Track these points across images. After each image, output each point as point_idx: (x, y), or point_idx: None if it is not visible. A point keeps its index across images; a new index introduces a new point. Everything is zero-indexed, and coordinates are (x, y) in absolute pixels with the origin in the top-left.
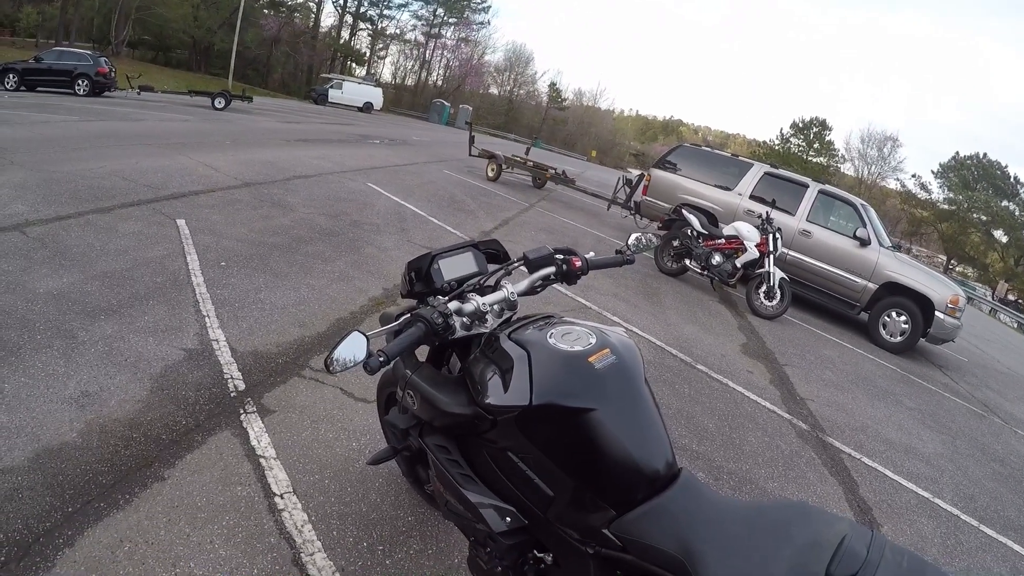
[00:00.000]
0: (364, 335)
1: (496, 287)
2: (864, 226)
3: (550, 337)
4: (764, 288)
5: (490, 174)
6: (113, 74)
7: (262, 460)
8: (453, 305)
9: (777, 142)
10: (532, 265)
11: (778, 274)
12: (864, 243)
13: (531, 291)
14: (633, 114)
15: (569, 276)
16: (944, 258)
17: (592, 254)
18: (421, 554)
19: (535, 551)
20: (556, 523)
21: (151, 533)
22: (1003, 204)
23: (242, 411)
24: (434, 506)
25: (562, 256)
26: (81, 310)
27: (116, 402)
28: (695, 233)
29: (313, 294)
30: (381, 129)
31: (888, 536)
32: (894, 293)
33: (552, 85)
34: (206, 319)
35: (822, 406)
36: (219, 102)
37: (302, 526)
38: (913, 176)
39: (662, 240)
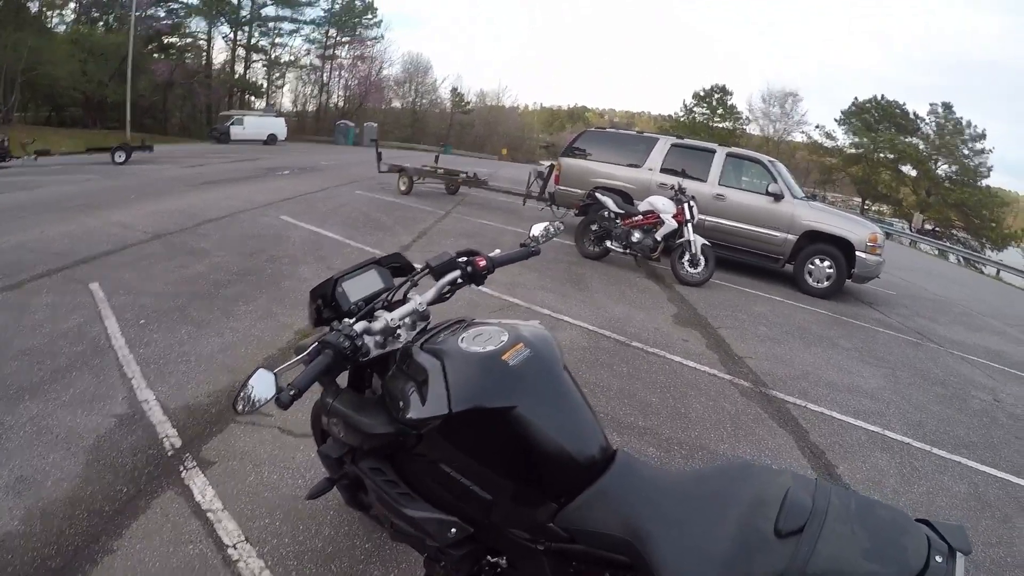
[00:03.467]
0: (271, 372)
1: (404, 300)
2: (775, 181)
3: (461, 342)
4: (687, 256)
5: (402, 187)
6: (6, 143)
7: (209, 514)
8: (360, 325)
9: (682, 114)
10: (437, 272)
11: (699, 241)
12: (778, 198)
13: (439, 299)
14: (538, 107)
15: (475, 277)
16: (859, 200)
17: (498, 251)
18: None
19: (488, 557)
20: (502, 526)
21: None
22: (907, 140)
23: (182, 468)
24: (381, 527)
25: (465, 258)
26: (2, 394)
27: (53, 482)
28: (611, 214)
29: (238, 337)
30: (288, 159)
31: (845, 476)
32: (814, 241)
33: (454, 90)
34: (132, 381)
35: (761, 361)
36: (119, 156)
37: (260, 573)
38: (817, 127)
39: (580, 226)
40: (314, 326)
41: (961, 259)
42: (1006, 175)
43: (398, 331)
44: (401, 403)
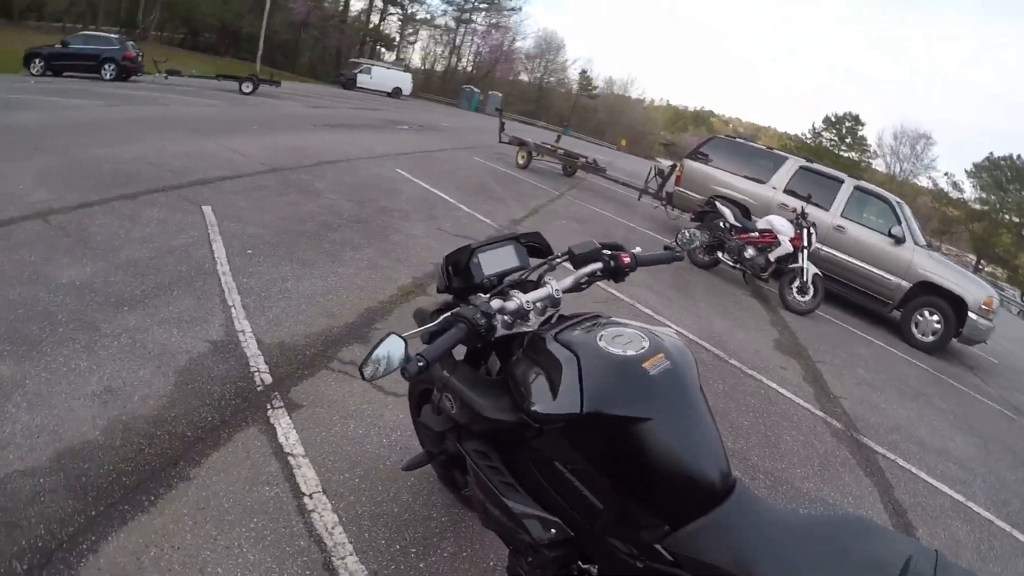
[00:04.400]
0: (401, 337)
1: (539, 283)
2: (899, 223)
3: (600, 339)
4: (797, 283)
5: (520, 161)
6: (140, 58)
7: (290, 458)
8: (495, 303)
9: (809, 136)
10: (578, 261)
11: (811, 269)
12: (899, 241)
13: (575, 288)
14: (664, 104)
15: (616, 273)
16: (973, 257)
17: (638, 249)
18: (456, 557)
19: (579, 562)
20: (605, 537)
21: (177, 537)
22: None
23: (269, 406)
24: (470, 508)
25: (610, 252)
26: (104, 301)
27: (140, 398)
28: (728, 226)
29: (341, 283)
30: (410, 114)
31: (923, 540)
32: (927, 292)
33: (583, 73)
34: (232, 309)
35: (855, 404)
36: (247, 86)
37: (332, 528)
38: (946, 175)
39: (693, 231)
40: (440, 291)
41: None
42: None
43: (529, 315)
44: (528, 393)
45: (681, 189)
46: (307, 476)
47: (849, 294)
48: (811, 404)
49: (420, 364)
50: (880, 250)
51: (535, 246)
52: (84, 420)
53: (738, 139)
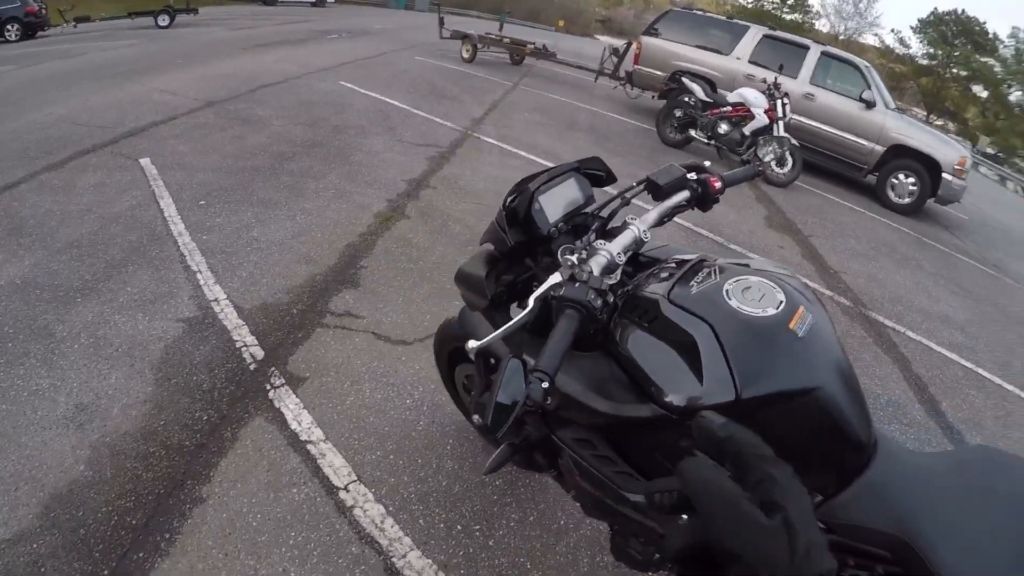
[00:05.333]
0: (520, 360)
1: (623, 226)
2: (869, 88)
3: (729, 297)
4: (775, 156)
5: (465, 55)
6: (44, 11)
7: (310, 446)
8: (593, 266)
9: (749, 0)
10: (663, 192)
11: (788, 140)
12: (870, 105)
13: (658, 224)
14: None
15: (705, 200)
16: (924, 112)
17: (708, 163)
18: (523, 524)
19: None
20: None
21: None
22: (983, 60)
23: (269, 386)
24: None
25: (696, 176)
26: (52, 297)
27: (119, 410)
28: (697, 102)
29: (312, 220)
30: (339, 22)
31: (948, 413)
32: (901, 156)
33: None
34: (198, 275)
35: (856, 279)
36: (163, 20)
37: (382, 522)
38: (892, 31)
39: (663, 111)
40: (502, 254)
41: (1021, 188)
42: None
43: (618, 270)
44: (660, 380)
45: (641, 67)
46: (335, 464)
47: (823, 162)
48: (817, 283)
49: (545, 386)
50: (852, 116)
51: (595, 173)
52: (63, 454)
53: (695, 10)
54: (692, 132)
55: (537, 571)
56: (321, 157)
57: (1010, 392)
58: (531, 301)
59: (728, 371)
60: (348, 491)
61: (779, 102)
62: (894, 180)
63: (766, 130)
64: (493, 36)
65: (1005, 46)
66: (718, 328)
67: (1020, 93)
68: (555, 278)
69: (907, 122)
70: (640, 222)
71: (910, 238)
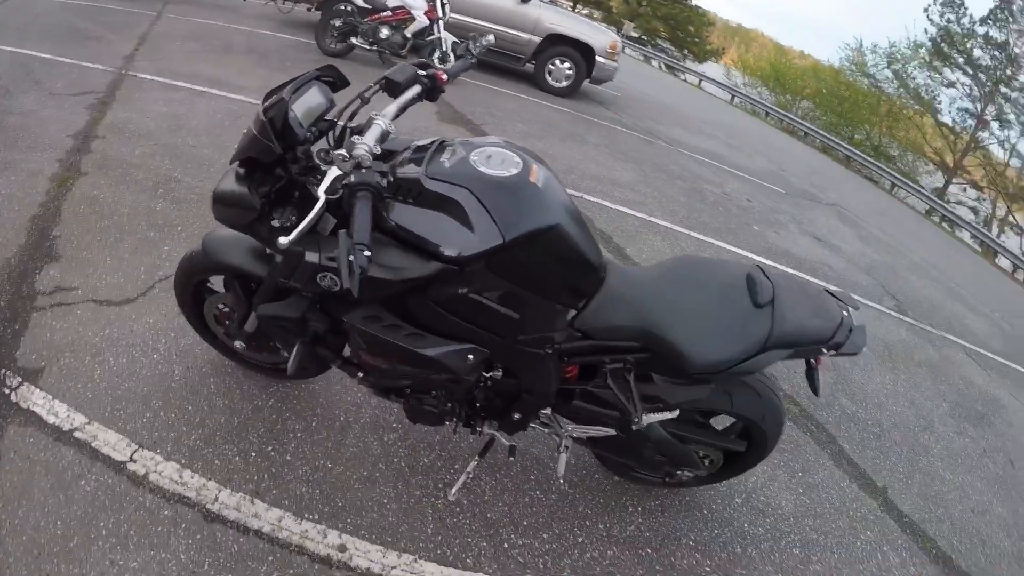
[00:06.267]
0: (348, 235)
1: (368, 123)
2: None
3: (479, 165)
4: (438, 54)
5: None
6: None
7: (77, 433)
8: (359, 154)
9: None
10: (397, 88)
11: (450, 38)
12: (524, 0)
13: (396, 116)
14: None
15: (433, 92)
16: (571, 2)
17: (436, 59)
18: (309, 431)
19: (482, 374)
20: (516, 344)
21: None
22: None
23: (7, 390)
24: (302, 377)
25: (425, 72)
26: None
27: None
28: (355, 9)
29: None
30: None
31: (634, 256)
32: (556, 43)
33: None
34: None
35: None
36: None
37: (180, 477)
38: None
39: (322, 21)
40: (267, 161)
41: (663, 66)
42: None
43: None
44: (439, 240)
45: None
46: (111, 442)
47: (486, 56)
48: None
49: (367, 255)
50: (509, 11)
51: (330, 80)
52: None
53: None
54: (353, 40)
55: (339, 466)
56: None
57: (680, 232)
58: (320, 194)
59: (492, 221)
60: (135, 461)
61: (438, 2)
62: (551, 66)
63: (427, 31)
64: None
65: None
66: (476, 190)
67: None
68: (334, 172)
69: (560, 13)
70: (382, 117)
71: (572, 116)
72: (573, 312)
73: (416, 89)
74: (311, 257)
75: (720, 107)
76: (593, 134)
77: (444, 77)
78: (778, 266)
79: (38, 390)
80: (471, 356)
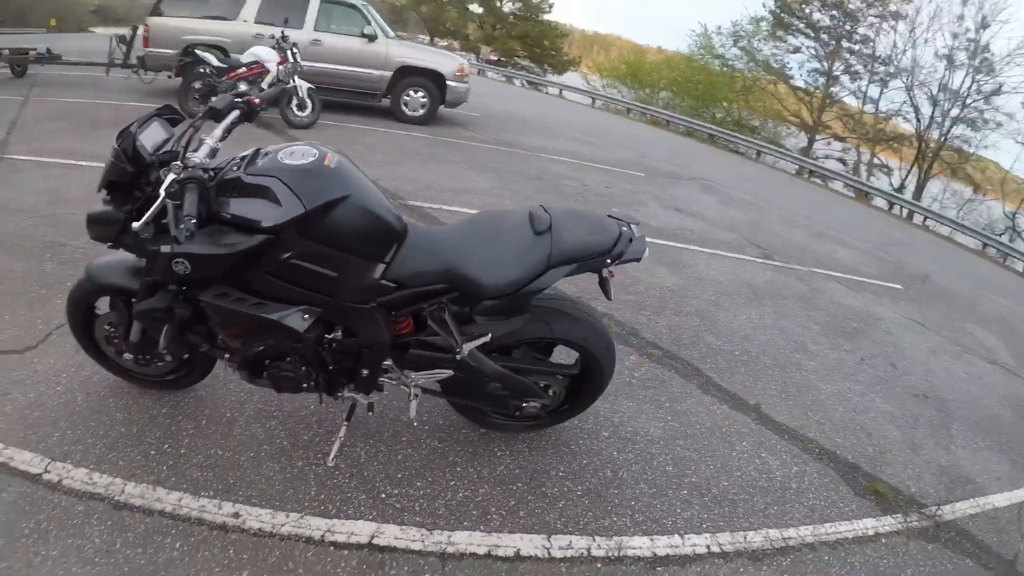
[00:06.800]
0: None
1: (200, 144)
2: (369, 23)
3: (283, 159)
4: (295, 102)
5: None
6: None
7: None
8: (193, 163)
9: None
10: (220, 114)
11: (304, 85)
12: (372, 39)
13: (223, 138)
14: None
15: (250, 114)
16: (428, 37)
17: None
18: (199, 427)
19: (326, 335)
20: (343, 301)
21: None
22: None
23: None
24: (187, 384)
25: (241, 99)
26: None
27: None
28: (212, 70)
29: None
30: None
31: None
32: (407, 75)
33: None
34: None
35: (389, 182)
36: None
37: (90, 478)
38: None
39: (183, 85)
40: (123, 182)
41: (526, 83)
42: (564, 6)
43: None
44: (256, 217)
45: (152, 50)
46: (26, 459)
47: (343, 97)
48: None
49: (194, 223)
50: (358, 51)
51: (173, 117)
52: None
53: None
54: (213, 100)
55: (228, 452)
56: None
57: None
58: (161, 191)
59: (296, 197)
60: (49, 472)
61: (289, 52)
62: (406, 97)
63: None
64: None
65: None
66: (282, 177)
67: (510, 3)
68: (171, 176)
69: (408, 46)
70: (211, 138)
71: (431, 141)
72: (383, 266)
73: (236, 113)
74: (165, 248)
75: (583, 111)
76: (453, 154)
77: (257, 101)
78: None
79: None
80: (306, 316)
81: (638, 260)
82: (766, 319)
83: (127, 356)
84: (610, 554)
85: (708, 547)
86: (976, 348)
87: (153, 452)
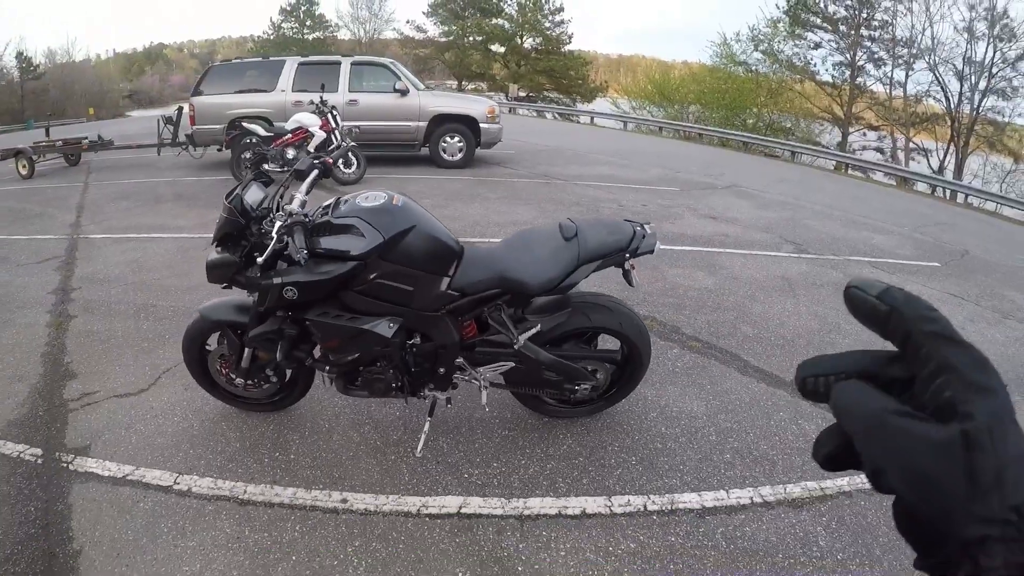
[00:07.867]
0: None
1: (291, 199)
2: (400, 79)
3: (361, 203)
4: (341, 160)
5: (23, 172)
6: None
7: (131, 477)
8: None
9: (270, 32)
10: (303, 175)
11: (348, 143)
12: (404, 93)
13: (308, 192)
14: (111, 54)
15: (327, 172)
16: (455, 82)
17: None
18: (304, 438)
19: (407, 341)
20: (419, 311)
21: None
22: (493, 22)
23: (64, 463)
24: (291, 402)
25: (319, 160)
26: None
27: None
28: (260, 139)
29: None
30: None
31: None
32: (442, 123)
33: (19, 55)
34: None
35: (446, 222)
36: None
37: (215, 484)
38: (408, 22)
39: (233, 157)
40: (233, 234)
41: (557, 115)
42: (585, 35)
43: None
44: (347, 247)
45: (199, 127)
46: (157, 475)
47: (384, 151)
48: None
49: (304, 252)
50: (393, 106)
51: (264, 180)
52: None
53: (234, 60)
54: (266, 167)
55: (330, 454)
56: None
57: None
58: (274, 233)
59: (376, 230)
60: (179, 483)
61: (329, 115)
62: (443, 144)
63: (327, 142)
64: (45, 143)
65: (508, 5)
66: (362, 216)
67: (531, 40)
68: (279, 222)
69: (439, 96)
70: (299, 193)
71: (472, 181)
72: (447, 279)
73: (315, 172)
74: (276, 280)
75: (615, 136)
76: (494, 191)
77: (330, 160)
78: (676, 248)
79: (89, 459)
80: (391, 324)
81: (651, 252)
82: (800, 307)
83: (238, 381)
84: (664, 508)
85: (751, 499)
86: (1015, 313)
87: (267, 460)
